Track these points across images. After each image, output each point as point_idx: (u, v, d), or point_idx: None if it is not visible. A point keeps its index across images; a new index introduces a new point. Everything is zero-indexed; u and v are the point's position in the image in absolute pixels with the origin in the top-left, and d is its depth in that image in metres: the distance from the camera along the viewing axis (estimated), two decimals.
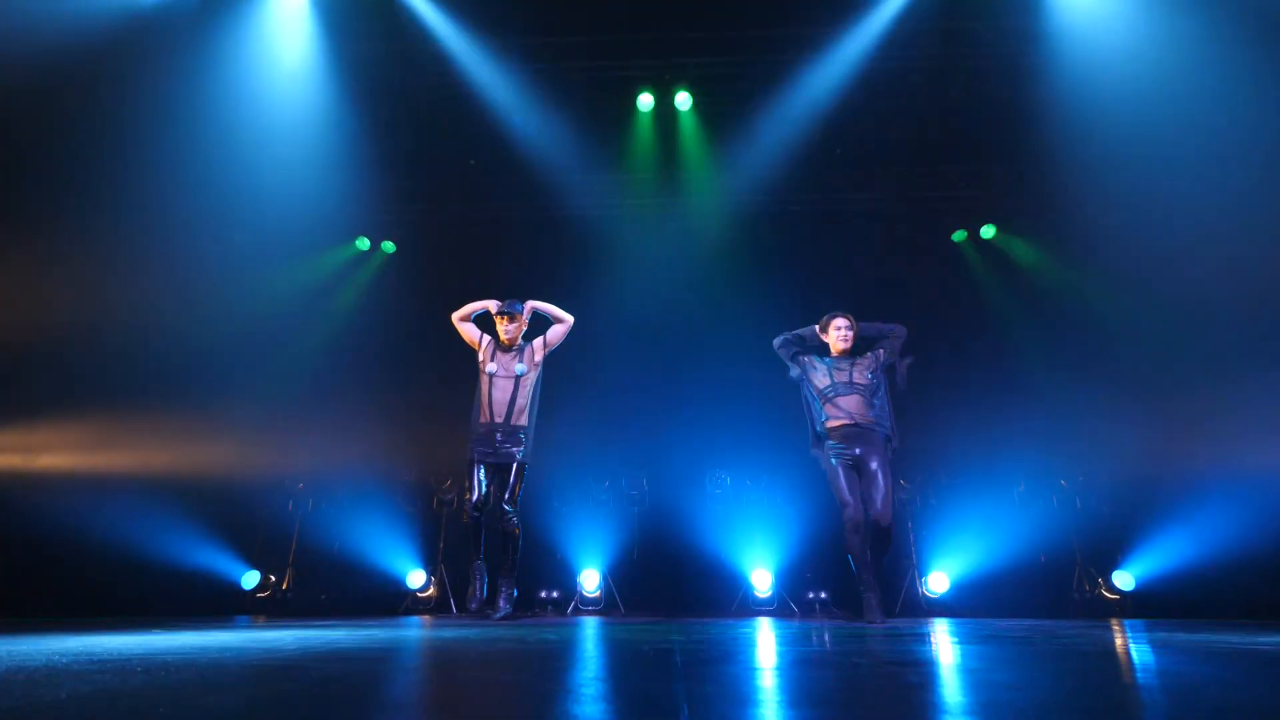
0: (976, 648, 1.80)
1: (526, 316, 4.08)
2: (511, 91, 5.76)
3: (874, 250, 6.07)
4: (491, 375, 3.99)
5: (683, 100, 5.91)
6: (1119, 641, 2.08)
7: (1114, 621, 3.80)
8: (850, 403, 3.72)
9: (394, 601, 5.51)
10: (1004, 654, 1.61)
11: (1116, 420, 5.40)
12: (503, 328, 4.01)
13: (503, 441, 3.91)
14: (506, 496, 3.80)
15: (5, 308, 5.61)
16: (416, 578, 5.56)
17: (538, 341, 4.05)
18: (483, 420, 3.93)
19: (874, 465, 3.55)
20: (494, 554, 3.93)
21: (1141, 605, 5.03)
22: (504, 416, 3.94)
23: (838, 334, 3.86)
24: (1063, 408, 5.72)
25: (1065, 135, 5.68)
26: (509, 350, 4.02)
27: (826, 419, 3.75)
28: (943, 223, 6.52)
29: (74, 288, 5.79)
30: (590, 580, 5.59)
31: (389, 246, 6.79)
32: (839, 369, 3.85)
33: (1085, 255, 6.07)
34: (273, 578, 5.77)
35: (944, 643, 2.00)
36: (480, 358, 4.05)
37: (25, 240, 5.74)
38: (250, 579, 5.66)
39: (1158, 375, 5.39)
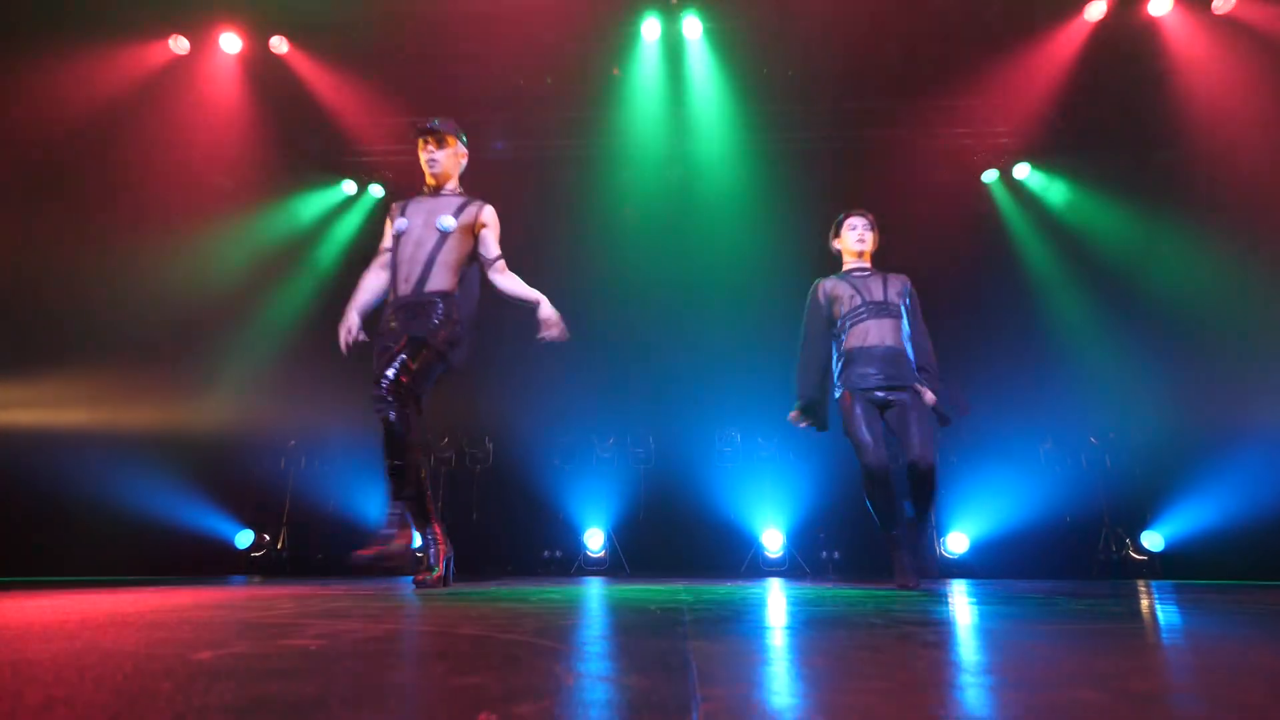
0: (996, 608, 1.83)
1: (461, 142, 3.05)
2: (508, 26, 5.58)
3: (896, 191, 5.95)
4: (401, 233, 2.90)
5: (692, 26, 5.72)
6: (1145, 602, 2.11)
7: (1141, 583, 3.85)
8: (880, 326, 3.21)
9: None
10: (1025, 614, 1.63)
11: (1151, 375, 5.38)
12: (425, 155, 2.98)
13: (405, 321, 2.78)
14: (389, 371, 2.61)
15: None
16: (415, 537, 5.66)
17: (485, 233, 2.96)
18: (388, 297, 2.91)
19: (908, 397, 3.10)
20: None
21: (1170, 567, 5.10)
22: (413, 284, 2.81)
23: (853, 235, 3.37)
24: (1095, 362, 5.70)
25: (1111, 66, 5.50)
26: (436, 193, 3.00)
27: (846, 342, 3.26)
28: (972, 161, 6.38)
29: (62, 243, 5.82)
30: (595, 540, 5.69)
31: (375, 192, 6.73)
32: (865, 284, 3.30)
33: (1125, 201, 5.95)
34: (267, 537, 5.90)
35: (962, 603, 2.03)
36: (389, 241, 2.99)
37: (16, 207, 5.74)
38: (244, 538, 5.79)
39: (1197, 328, 5.35)
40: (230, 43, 5.72)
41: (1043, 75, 5.61)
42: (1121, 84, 5.66)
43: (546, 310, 2.94)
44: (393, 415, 2.57)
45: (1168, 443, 5.25)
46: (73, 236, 5.87)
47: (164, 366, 5.96)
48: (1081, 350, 5.78)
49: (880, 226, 3.44)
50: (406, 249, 2.87)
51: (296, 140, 6.29)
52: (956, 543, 5.36)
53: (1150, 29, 5.36)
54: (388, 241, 2.98)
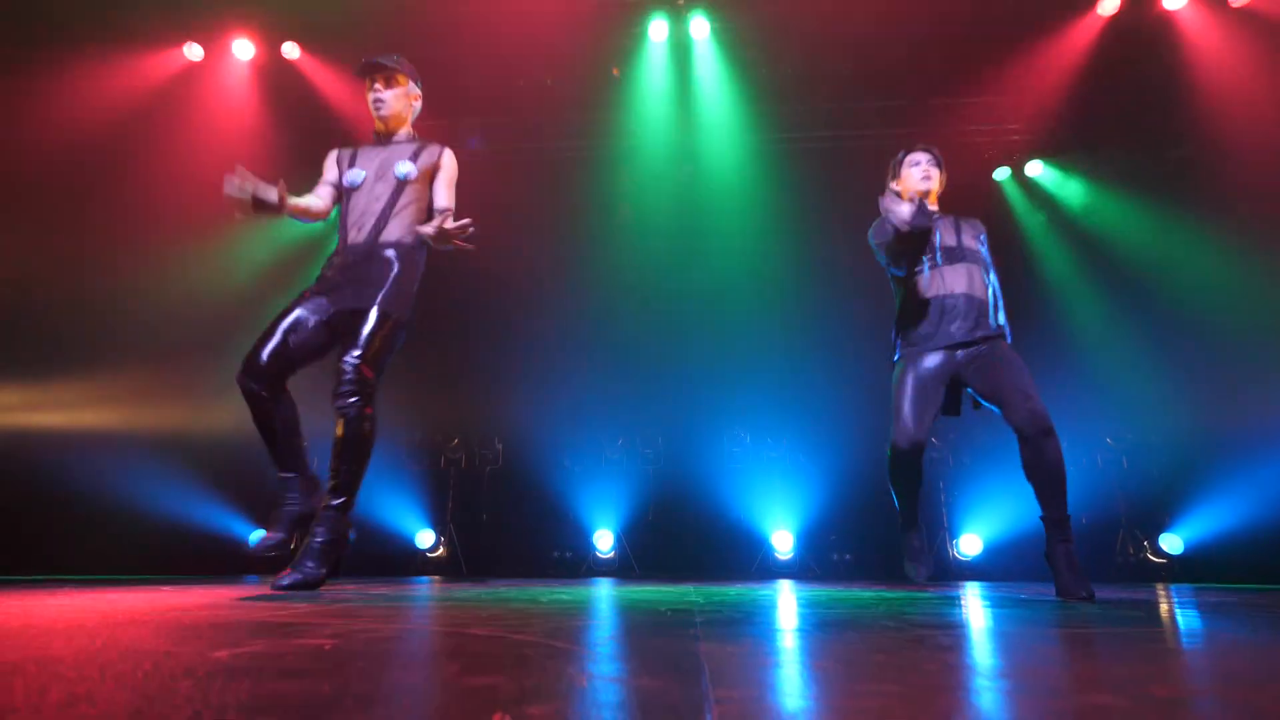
0: (1010, 611, 1.82)
1: (414, 83, 2.78)
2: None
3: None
4: (353, 187, 2.63)
5: (699, 27, 5.72)
6: (1165, 606, 2.09)
7: (1160, 586, 3.82)
8: (954, 273, 2.74)
9: (403, 562, 5.66)
10: (1040, 618, 1.62)
11: (1168, 375, 5.33)
12: (372, 95, 2.72)
13: (355, 267, 2.50)
14: (354, 354, 2.37)
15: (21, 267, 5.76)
16: (425, 538, 5.70)
17: (448, 158, 2.72)
18: (336, 245, 2.62)
19: (1000, 353, 2.63)
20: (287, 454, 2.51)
21: (1189, 570, 5.05)
22: (365, 233, 2.55)
23: (916, 171, 2.91)
24: (1110, 361, 5.65)
25: (1124, 60, 5.46)
26: (387, 140, 2.73)
27: (910, 294, 2.79)
28: (984, 158, 6.35)
29: (84, 247, 5.91)
30: (604, 541, 5.70)
31: None
32: (941, 227, 2.86)
33: (1141, 197, 5.90)
34: None
35: (976, 606, 2.02)
36: (330, 176, 2.73)
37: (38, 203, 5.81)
38: (258, 538, 5.84)
39: (1214, 326, 5.29)
40: (243, 49, 5.78)
41: (1055, 71, 5.57)
42: (1136, 78, 5.61)
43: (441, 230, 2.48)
44: (359, 413, 2.34)
45: (1185, 443, 5.20)
46: (93, 240, 5.95)
47: (186, 369, 6.02)
48: (1096, 349, 5.74)
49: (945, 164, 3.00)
50: (359, 201, 2.60)
51: (309, 144, 6.34)
52: (970, 545, 5.32)
53: (1165, 22, 5.31)
54: (326, 181, 2.71)
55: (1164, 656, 1.03)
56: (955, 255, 2.77)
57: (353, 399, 2.35)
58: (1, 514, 5.83)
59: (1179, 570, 5.03)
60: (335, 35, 5.68)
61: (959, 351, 2.68)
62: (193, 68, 5.84)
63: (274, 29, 5.78)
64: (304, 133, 6.19)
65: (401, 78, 2.73)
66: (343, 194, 2.67)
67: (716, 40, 5.81)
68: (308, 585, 2.30)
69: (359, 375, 2.36)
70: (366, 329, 2.40)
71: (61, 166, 5.95)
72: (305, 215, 2.62)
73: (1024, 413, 2.47)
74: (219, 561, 5.66)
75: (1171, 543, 5.06)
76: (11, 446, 5.88)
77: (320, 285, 2.54)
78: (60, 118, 5.66)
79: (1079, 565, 2.45)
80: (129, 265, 5.92)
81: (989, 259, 2.86)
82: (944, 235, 2.82)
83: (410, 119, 2.80)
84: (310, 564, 2.34)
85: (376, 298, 2.45)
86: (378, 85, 2.71)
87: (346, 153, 2.74)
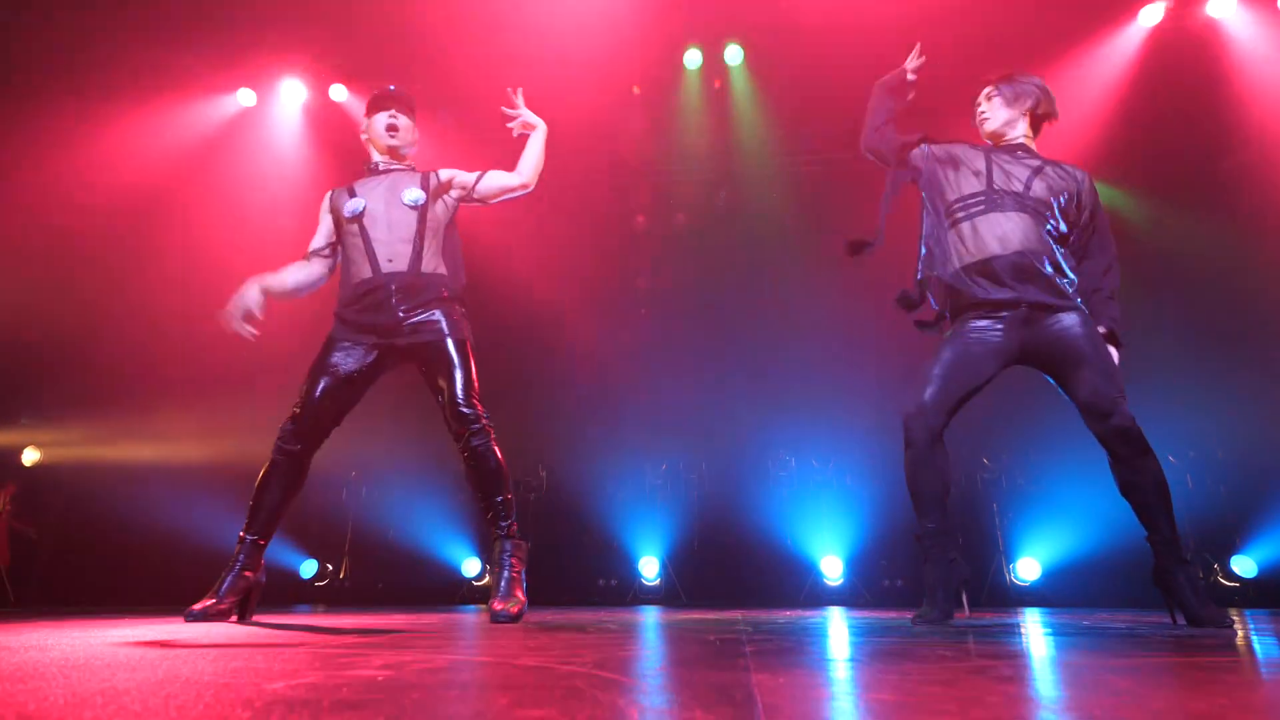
0: (1074, 639, 1.74)
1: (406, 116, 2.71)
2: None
3: None
4: (358, 213, 2.48)
5: (733, 55, 5.79)
6: (1240, 633, 1.98)
7: (1234, 611, 3.62)
8: (1011, 225, 2.28)
9: (450, 590, 5.70)
10: (1106, 647, 1.55)
11: (1233, 390, 5.10)
12: (386, 120, 2.65)
13: (408, 301, 2.40)
14: (460, 396, 2.34)
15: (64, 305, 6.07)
16: (472, 566, 5.74)
17: (450, 172, 2.65)
18: (362, 277, 2.45)
19: (1075, 329, 2.23)
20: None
21: (1265, 594, 4.78)
22: (407, 261, 2.43)
23: (977, 113, 2.58)
24: (1170, 376, 5.43)
25: (1170, 70, 5.32)
26: (387, 170, 2.62)
27: (958, 251, 2.36)
28: None
29: (117, 283, 6.22)
30: (650, 568, 5.65)
31: None
32: (1002, 165, 2.38)
33: (1196, 208, 5.71)
34: (329, 566, 6.05)
35: (1038, 635, 1.94)
36: (326, 224, 2.62)
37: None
38: (309, 568, 5.96)
39: None
40: (294, 92, 6.06)
41: (1098, 84, 5.45)
42: (1183, 88, 5.47)
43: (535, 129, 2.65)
44: (490, 445, 2.35)
45: (1254, 460, 4.94)
46: (154, 282, 6.23)
47: (235, 403, 6.22)
48: (1156, 365, 5.52)
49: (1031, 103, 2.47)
50: (376, 231, 2.46)
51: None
52: (1028, 569, 5.13)
53: (1211, 30, 5.17)
54: (321, 239, 2.60)
55: (1244, 689, 0.97)
56: (1017, 203, 2.34)
57: (481, 436, 2.35)
58: (67, 545, 6.08)
59: (1253, 594, 4.76)
60: (380, 76, 5.90)
61: (1001, 314, 2.35)
62: (246, 112, 6.13)
63: (323, 73, 6.05)
64: (354, 173, 6.43)
65: (409, 109, 2.73)
66: (344, 228, 2.54)
67: (746, 68, 5.87)
68: (519, 615, 2.31)
69: (476, 414, 2.35)
70: (456, 365, 2.38)
71: (121, 214, 6.27)
72: (298, 291, 2.56)
73: (1105, 401, 2.19)
74: (270, 591, 5.78)
75: (1244, 565, 4.80)
76: (74, 479, 6.14)
77: (357, 327, 2.43)
78: (121, 167, 5.99)
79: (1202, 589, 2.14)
80: (183, 306, 6.18)
81: (1073, 217, 2.40)
82: (1010, 174, 2.38)
83: (410, 152, 2.77)
84: (520, 593, 2.37)
85: (444, 329, 2.41)
86: (395, 112, 2.67)
87: (338, 191, 2.64)
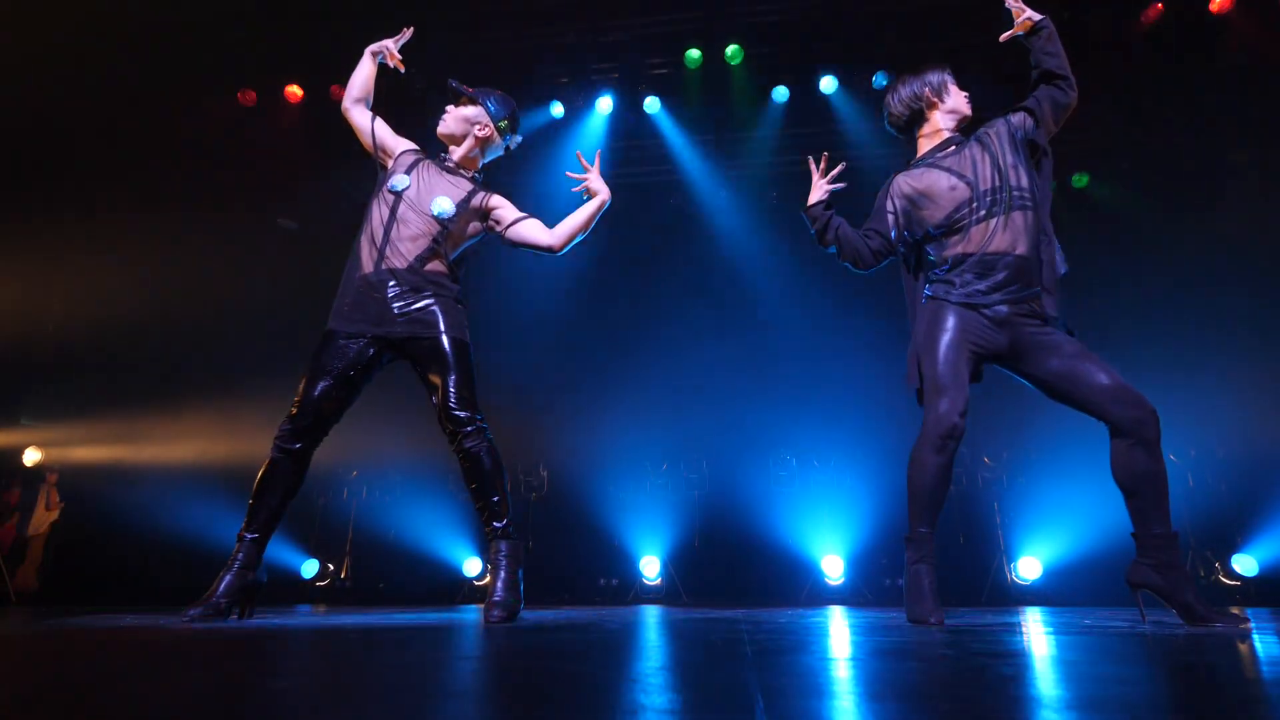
0: (1075, 638, 1.74)
1: (489, 112, 2.60)
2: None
3: None
4: (398, 192, 2.48)
5: (732, 53, 5.80)
6: (1246, 630, 1.97)
7: (1235, 609, 3.62)
8: (1013, 223, 2.22)
9: (451, 589, 5.70)
10: (1107, 645, 1.55)
11: (1233, 388, 5.10)
12: (449, 114, 2.63)
13: (404, 296, 2.39)
14: (454, 396, 2.34)
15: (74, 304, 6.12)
16: (473, 565, 5.74)
17: (498, 203, 2.58)
18: (364, 268, 2.43)
19: (1063, 336, 2.21)
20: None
21: (1265, 593, 4.78)
22: (409, 260, 2.41)
23: (963, 97, 2.56)
24: (1169, 374, 5.43)
25: (1173, 62, 5.32)
26: (442, 168, 2.57)
27: (947, 250, 2.31)
28: None
29: (129, 283, 6.24)
30: (650, 567, 5.65)
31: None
32: (972, 160, 2.31)
33: (1198, 204, 5.71)
34: (331, 566, 6.05)
35: (1038, 634, 1.94)
36: (389, 140, 2.67)
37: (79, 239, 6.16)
38: (310, 568, 5.96)
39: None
40: (295, 96, 6.08)
41: (1101, 77, 5.45)
42: (1186, 81, 5.45)
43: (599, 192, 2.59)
44: (487, 443, 2.35)
45: (1255, 459, 4.94)
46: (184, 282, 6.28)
47: (236, 404, 6.23)
48: (1156, 362, 5.52)
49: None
50: (398, 222, 2.44)
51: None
52: (1028, 568, 5.13)
53: (1214, 22, 5.16)
54: (384, 134, 2.66)
55: (1247, 687, 0.98)
56: (1021, 200, 2.33)
57: (476, 438, 2.35)
58: (67, 544, 6.08)
59: (1254, 593, 4.75)
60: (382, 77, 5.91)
61: (999, 308, 2.33)
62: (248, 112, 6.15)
63: (322, 77, 6.06)
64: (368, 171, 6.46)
65: (469, 102, 2.60)
66: (380, 192, 2.53)
67: (748, 67, 5.87)
68: (515, 616, 2.30)
69: (469, 415, 2.34)
70: (451, 364, 2.35)
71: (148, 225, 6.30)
72: (367, 84, 2.69)
73: (1124, 406, 2.15)
74: (270, 591, 5.79)
75: (1245, 564, 4.80)
76: (74, 478, 6.15)
77: (352, 321, 2.39)
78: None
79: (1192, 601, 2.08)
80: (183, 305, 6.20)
81: (1041, 190, 2.39)
82: (982, 167, 2.34)
83: (465, 146, 2.61)
84: (514, 596, 2.33)
85: (441, 326, 2.38)
86: (450, 105, 2.64)
87: (413, 153, 2.61)
